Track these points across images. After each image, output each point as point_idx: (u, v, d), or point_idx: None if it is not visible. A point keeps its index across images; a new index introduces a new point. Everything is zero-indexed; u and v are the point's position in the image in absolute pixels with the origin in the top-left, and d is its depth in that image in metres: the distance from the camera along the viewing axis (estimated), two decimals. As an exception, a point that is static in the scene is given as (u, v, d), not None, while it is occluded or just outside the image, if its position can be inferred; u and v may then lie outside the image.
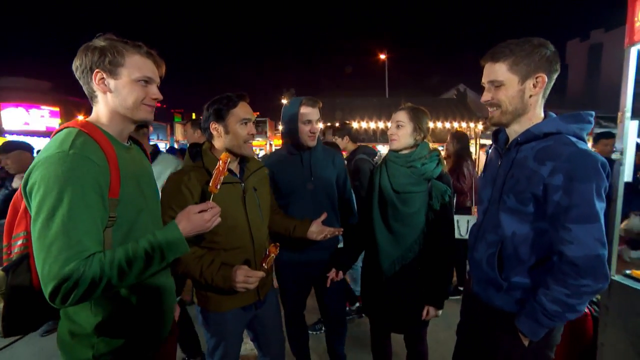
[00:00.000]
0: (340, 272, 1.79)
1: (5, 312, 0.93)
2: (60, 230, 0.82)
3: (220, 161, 1.16)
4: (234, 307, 1.45)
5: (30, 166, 0.87)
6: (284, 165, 1.86)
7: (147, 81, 1.01)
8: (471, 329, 1.37)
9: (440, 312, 1.59)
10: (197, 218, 1.03)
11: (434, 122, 6.91)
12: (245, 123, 1.41)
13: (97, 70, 0.94)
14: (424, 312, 1.59)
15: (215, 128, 1.39)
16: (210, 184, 1.15)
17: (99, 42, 0.96)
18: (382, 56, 22.23)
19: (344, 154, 2.93)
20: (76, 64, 0.96)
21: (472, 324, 1.35)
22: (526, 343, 1.12)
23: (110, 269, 0.86)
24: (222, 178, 1.16)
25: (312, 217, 1.75)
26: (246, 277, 1.31)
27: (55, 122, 19.64)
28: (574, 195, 0.97)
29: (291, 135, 1.81)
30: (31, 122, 19.68)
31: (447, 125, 7.00)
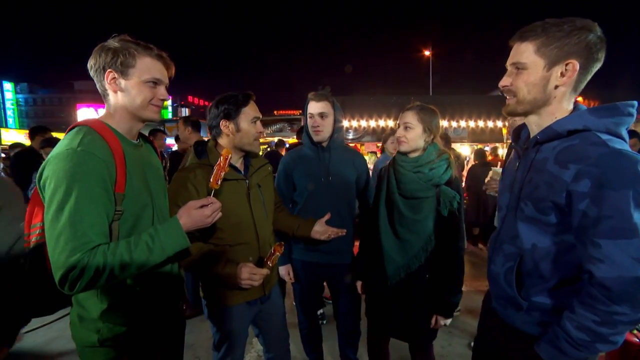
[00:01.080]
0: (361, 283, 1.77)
1: (25, 295, 1.03)
2: (67, 222, 0.88)
3: (221, 157, 1.18)
4: (239, 302, 1.48)
5: (44, 162, 0.94)
6: (302, 161, 1.86)
7: (155, 82, 1.05)
8: (488, 347, 1.25)
9: (449, 321, 1.51)
10: (197, 213, 1.05)
11: (476, 121, 6.46)
12: (255, 121, 1.44)
13: (109, 70, 1.00)
14: (433, 321, 1.52)
15: (227, 126, 1.42)
16: (211, 180, 1.16)
17: (113, 43, 1.00)
18: (427, 52, 21.40)
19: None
20: (90, 63, 1.01)
21: (489, 342, 1.24)
22: None
23: (113, 260, 0.91)
24: (222, 174, 1.17)
25: (327, 212, 1.73)
26: (251, 275, 1.33)
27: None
28: (605, 205, 0.81)
29: (306, 132, 1.84)
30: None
31: (490, 124, 6.51)
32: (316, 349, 2.11)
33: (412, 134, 1.49)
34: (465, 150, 7.51)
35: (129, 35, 1.04)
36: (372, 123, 7.11)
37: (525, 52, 0.93)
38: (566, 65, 0.90)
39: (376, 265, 1.60)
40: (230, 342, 1.52)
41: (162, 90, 1.08)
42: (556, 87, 0.92)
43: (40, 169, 0.94)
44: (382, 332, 1.65)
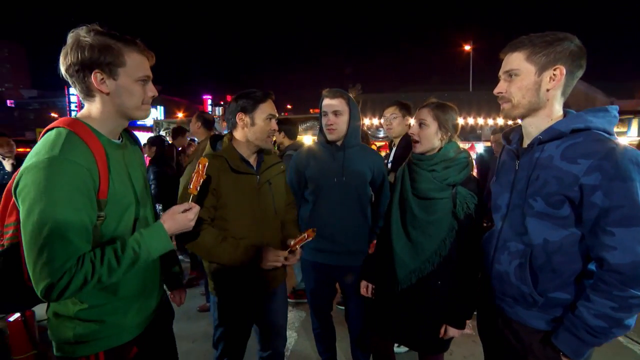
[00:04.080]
0: (370, 286, 1.71)
1: None
2: (52, 233, 0.86)
3: (200, 165, 1.20)
4: (245, 296, 1.51)
5: (22, 169, 0.90)
6: (315, 159, 1.83)
7: (145, 80, 1.02)
8: (496, 347, 1.22)
9: (461, 332, 1.42)
10: (181, 217, 1.06)
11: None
12: (270, 119, 1.48)
13: (96, 70, 0.93)
14: (442, 331, 1.43)
15: (242, 119, 1.47)
16: (191, 186, 1.18)
17: (89, 38, 0.92)
18: (467, 47, 20.40)
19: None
20: (68, 62, 0.93)
21: (497, 342, 1.20)
22: None
23: (101, 267, 0.92)
24: (201, 180, 1.19)
25: (339, 213, 1.74)
26: (275, 257, 1.43)
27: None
28: (616, 196, 0.88)
29: (320, 130, 1.81)
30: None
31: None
32: (329, 349, 2.09)
33: (426, 132, 1.43)
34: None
35: (100, 25, 0.95)
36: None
37: (516, 60, 1.03)
38: (554, 70, 0.99)
39: (387, 268, 1.55)
40: (229, 339, 1.54)
41: (151, 87, 1.05)
42: (547, 90, 1.01)
43: (17, 177, 0.90)
44: (388, 336, 1.59)
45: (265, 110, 1.46)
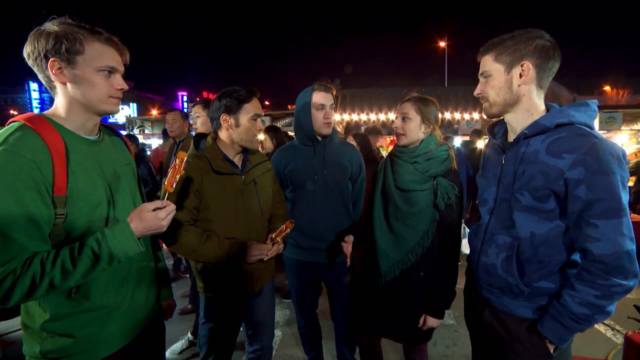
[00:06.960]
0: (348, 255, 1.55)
1: None
2: None
3: (177, 159, 1.10)
4: (234, 294, 1.48)
5: None
6: (297, 156, 1.79)
7: (110, 71, 0.94)
8: (484, 338, 1.24)
9: (440, 322, 1.45)
10: (150, 216, 0.93)
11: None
12: (255, 119, 1.43)
13: (52, 58, 0.87)
14: (421, 321, 1.45)
15: (226, 120, 1.41)
16: (166, 183, 1.06)
17: (53, 26, 0.87)
18: (442, 44, 20.87)
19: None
20: (27, 51, 0.88)
21: (485, 333, 1.22)
22: (552, 349, 1.05)
23: (52, 269, 0.82)
24: (178, 177, 1.07)
25: (321, 210, 1.72)
26: (259, 250, 1.42)
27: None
28: (598, 189, 0.92)
29: (304, 125, 1.72)
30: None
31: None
32: (314, 348, 2.08)
33: (411, 125, 1.45)
34: (479, 143, 7.31)
35: (71, 18, 0.90)
36: (382, 116, 6.96)
37: (487, 63, 1.09)
38: (521, 66, 1.03)
39: (370, 262, 1.55)
40: (217, 338, 1.51)
41: (118, 79, 0.96)
42: (519, 86, 1.06)
43: None
44: (373, 331, 1.59)
45: (250, 110, 1.40)
